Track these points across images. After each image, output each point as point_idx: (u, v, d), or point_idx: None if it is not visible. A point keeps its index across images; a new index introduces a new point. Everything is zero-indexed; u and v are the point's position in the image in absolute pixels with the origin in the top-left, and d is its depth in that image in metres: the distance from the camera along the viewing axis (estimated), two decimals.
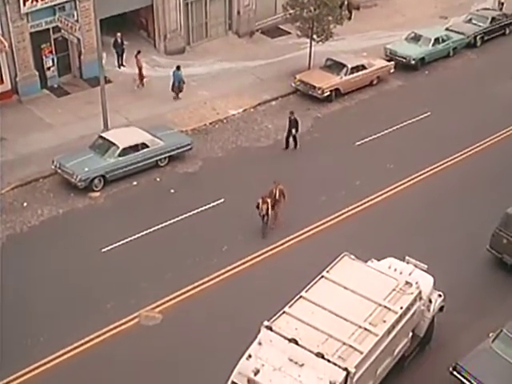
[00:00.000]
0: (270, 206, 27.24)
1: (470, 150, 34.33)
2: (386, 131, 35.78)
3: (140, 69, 38.43)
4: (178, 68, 37.63)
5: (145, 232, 28.09)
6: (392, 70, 41.32)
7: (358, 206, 30.12)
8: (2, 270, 25.78)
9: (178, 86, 37.83)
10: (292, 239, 28.09)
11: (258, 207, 27.37)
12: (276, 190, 27.71)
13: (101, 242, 27.45)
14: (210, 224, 28.83)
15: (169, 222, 28.67)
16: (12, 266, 26.13)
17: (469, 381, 21.36)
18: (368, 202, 30.44)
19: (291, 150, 34.15)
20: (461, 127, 36.20)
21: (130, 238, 27.72)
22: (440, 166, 33.05)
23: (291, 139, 34.15)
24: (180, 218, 28.97)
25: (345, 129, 36.31)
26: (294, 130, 33.75)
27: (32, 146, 33.06)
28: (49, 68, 37.36)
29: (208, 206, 29.74)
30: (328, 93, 38.33)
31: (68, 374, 22.18)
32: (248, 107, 37.85)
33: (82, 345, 23.13)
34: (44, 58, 37.00)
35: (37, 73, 36.74)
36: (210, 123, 36.29)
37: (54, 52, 37.30)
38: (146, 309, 24.53)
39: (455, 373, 21.61)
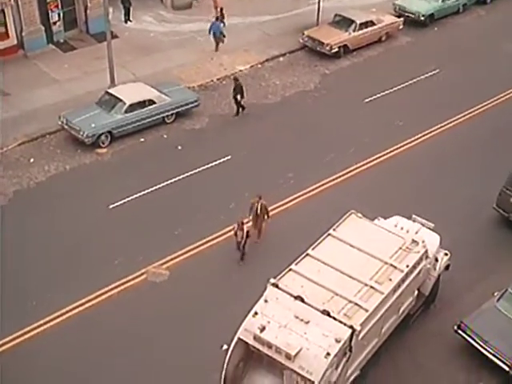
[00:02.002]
0: (245, 234, 24.60)
1: (478, 108, 34.11)
2: (394, 88, 35.53)
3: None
4: (217, 19, 37.34)
5: (152, 189, 28.08)
6: (401, 27, 40.94)
7: (366, 164, 30.03)
8: (9, 225, 25.89)
9: (218, 37, 37.68)
10: (299, 196, 28.06)
11: (235, 234, 24.83)
12: (258, 204, 25.25)
13: (108, 198, 27.47)
14: (217, 181, 28.79)
15: (176, 179, 28.64)
16: (19, 222, 26.23)
17: (473, 339, 21.51)
18: (376, 159, 30.34)
19: (243, 116, 33.44)
20: (469, 85, 35.94)
21: (137, 195, 27.73)
22: (448, 123, 32.86)
23: (238, 105, 33.28)
24: (187, 174, 28.93)
25: (353, 85, 36.05)
26: (239, 96, 32.86)
27: (38, 101, 32.96)
28: (55, 23, 37.11)
29: (215, 163, 29.68)
30: (336, 49, 38.01)
31: (75, 329, 22.36)
32: (255, 63, 37.58)
33: (90, 301, 23.27)
34: (50, 12, 36.73)
35: (43, 27, 36.50)
36: (217, 79, 36.08)
37: (59, 6, 37.02)
38: (153, 265, 24.62)
39: (460, 331, 21.76)
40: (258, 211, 25.22)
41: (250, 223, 25.49)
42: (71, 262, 24.79)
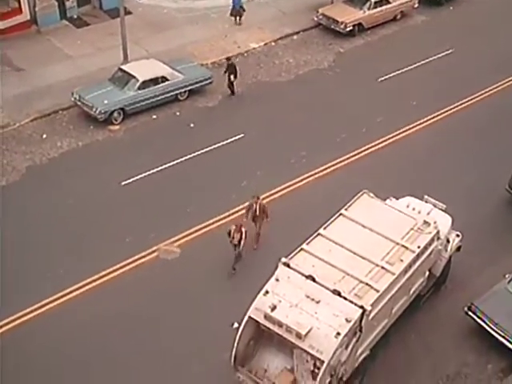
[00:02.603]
0: (244, 236, 23.19)
1: (493, 88, 33.90)
2: (409, 67, 35.33)
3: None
4: None
5: (164, 166, 28.09)
6: (416, 5, 40.64)
7: (379, 144, 29.92)
8: (21, 201, 26.00)
9: (238, 10, 37.69)
10: (311, 176, 28.01)
11: (229, 234, 23.32)
12: (256, 205, 24.13)
13: (120, 175, 27.50)
14: (229, 159, 28.76)
15: (188, 157, 28.63)
16: (31, 198, 26.33)
17: (483, 321, 21.51)
18: (389, 139, 30.23)
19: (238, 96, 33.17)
20: (484, 65, 35.71)
21: (149, 172, 27.74)
22: (462, 104, 32.68)
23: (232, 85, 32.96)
24: (199, 152, 28.91)
25: (367, 64, 35.85)
26: (232, 76, 32.53)
27: (51, 77, 32.93)
28: None
29: (227, 141, 29.64)
30: (351, 27, 37.79)
31: (86, 306, 22.44)
32: (269, 41, 37.42)
33: (101, 277, 23.37)
34: None
35: (56, 3, 36.39)
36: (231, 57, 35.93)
37: None
38: (165, 243, 24.67)
39: (470, 313, 21.77)
40: (257, 212, 24.10)
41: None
42: (82, 238, 24.88)
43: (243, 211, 24.72)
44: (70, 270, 23.49)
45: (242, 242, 23.25)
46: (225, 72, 32.72)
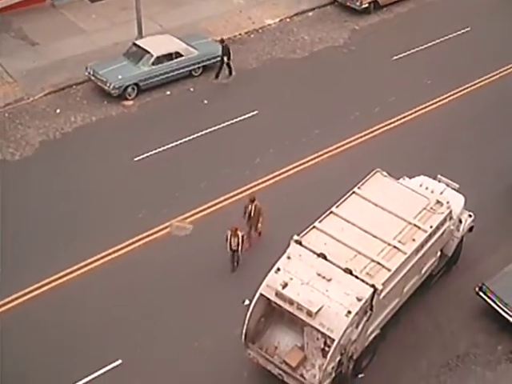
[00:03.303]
0: (241, 240, 22.46)
1: (509, 68, 33.61)
2: (424, 46, 35.11)
3: None
4: None
5: (177, 142, 28.10)
6: None
7: (392, 123, 29.80)
8: (35, 175, 26.12)
9: None
10: (324, 154, 27.96)
11: (226, 240, 22.56)
12: (252, 206, 23.34)
13: (133, 150, 27.54)
14: (243, 136, 28.73)
15: (202, 133, 28.62)
16: (44, 173, 26.43)
17: (494, 301, 21.49)
18: (402, 118, 30.10)
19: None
20: (501, 44, 35.40)
21: (162, 148, 27.77)
22: (478, 83, 32.46)
23: (225, 67, 32.39)
24: (213, 129, 28.89)
25: (382, 42, 35.64)
26: (225, 58, 32.11)
27: (65, 51, 32.94)
28: None
29: (241, 118, 29.60)
30: (366, 5, 37.53)
31: (98, 280, 22.60)
32: (284, 17, 37.22)
33: (114, 252, 23.47)
34: None
35: None
36: (245, 33, 35.81)
37: None
38: (177, 219, 24.72)
39: (481, 293, 21.76)
40: (252, 213, 23.39)
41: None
42: (95, 213, 24.96)
43: (255, 189, 24.72)
44: (81, 246, 23.57)
45: (240, 247, 22.60)
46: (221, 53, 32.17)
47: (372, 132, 29.24)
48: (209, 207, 25.32)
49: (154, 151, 27.62)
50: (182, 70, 31.73)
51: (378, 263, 19.33)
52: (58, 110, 29.73)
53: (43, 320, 21.25)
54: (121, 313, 21.62)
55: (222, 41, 32.29)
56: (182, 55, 31.53)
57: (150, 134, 28.49)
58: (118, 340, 20.82)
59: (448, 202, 21.51)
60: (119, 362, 20.00)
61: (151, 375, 20.02)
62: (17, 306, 21.58)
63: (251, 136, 28.74)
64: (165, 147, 27.82)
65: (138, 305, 21.89)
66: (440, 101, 31.23)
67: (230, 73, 32.59)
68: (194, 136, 28.47)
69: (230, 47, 32.22)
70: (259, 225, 23.55)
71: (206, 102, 30.82)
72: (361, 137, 28.92)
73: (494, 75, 33.02)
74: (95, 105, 30.23)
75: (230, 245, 22.49)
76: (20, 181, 25.90)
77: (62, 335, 20.87)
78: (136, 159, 27.27)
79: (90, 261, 23.09)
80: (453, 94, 31.63)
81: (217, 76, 32.44)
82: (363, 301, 18.33)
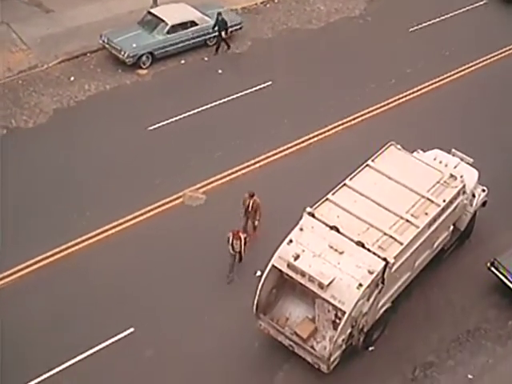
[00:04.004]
0: (244, 242, 21.60)
1: None
2: (441, 18, 34.76)
3: None
4: None
5: (191, 112, 28.01)
6: None
7: (408, 95, 29.62)
8: (48, 143, 26.17)
9: None
10: (338, 126, 27.84)
11: (228, 242, 21.64)
12: (250, 201, 22.61)
13: (147, 119, 27.48)
14: (257, 106, 28.62)
15: (216, 103, 28.52)
16: (58, 140, 26.46)
17: (506, 277, 21.46)
18: (418, 91, 29.91)
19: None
20: None
21: (176, 117, 27.70)
22: (497, 55, 32.19)
23: (222, 42, 32.00)
24: (227, 99, 28.79)
25: (399, 13, 35.30)
26: (223, 33, 31.58)
27: (79, 19, 32.77)
28: None
29: (256, 88, 29.47)
30: None
31: (110, 250, 22.67)
32: None
33: (126, 222, 23.53)
34: None
35: None
36: (261, 2, 35.52)
37: None
38: (190, 189, 24.73)
39: (493, 268, 21.73)
40: (250, 209, 22.67)
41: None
42: (109, 181, 24.98)
43: (268, 160, 24.64)
44: (93, 215, 23.64)
45: (243, 249, 21.70)
46: (216, 27, 31.63)
47: (387, 104, 29.06)
48: (222, 177, 25.29)
49: (169, 120, 27.55)
50: (196, 40, 31.59)
51: (391, 236, 19.30)
52: (72, 78, 29.67)
53: (56, 289, 21.41)
54: (133, 282, 21.72)
55: (218, 14, 31.73)
56: (196, 24, 31.37)
57: (165, 103, 28.42)
58: (131, 308, 20.93)
59: (462, 176, 21.41)
60: (131, 330, 20.13)
61: (163, 343, 20.11)
62: (29, 273, 21.71)
63: (265, 107, 28.62)
64: (179, 117, 27.75)
65: (150, 274, 21.98)
66: (457, 73, 30.96)
67: (228, 47, 32.18)
68: (208, 106, 28.38)
69: (226, 20, 31.66)
70: (256, 222, 22.95)
71: (220, 71, 30.69)
72: (376, 109, 28.76)
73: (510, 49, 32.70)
74: (109, 73, 30.15)
75: (233, 247, 21.59)
76: (34, 148, 25.93)
77: (74, 304, 21.01)
78: (150, 128, 27.23)
79: (101, 230, 23.16)
80: (471, 67, 31.36)
81: (216, 50, 32.08)
82: (375, 274, 18.35)
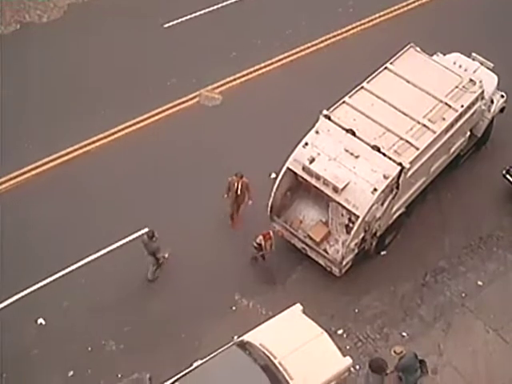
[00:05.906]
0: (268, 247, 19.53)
1: None
2: None
3: None
4: None
5: (209, 9, 27.41)
6: None
7: None
8: (62, 39, 25.89)
9: None
10: (357, 27, 27.22)
11: (257, 246, 19.71)
12: (238, 183, 20.42)
13: (163, 16, 26.93)
14: (274, 5, 27.96)
15: (233, 1, 27.82)
16: (72, 36, 26.08)
17: None
18: None
19: None
20: None
21: (193, 15, 27.12)
22: None
23: None
24: None
25: None
26: None
27: None
28: None
29: None
30: None
31: (125, 149, 22.71)
32: None
33: (141, 121, 23.47)
34: None
35: None
36: None
37: None
38: (206, 88, 24.52)
39: (508, 176, 21.66)
40: (238, 191, 20.56)
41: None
42: (122, 81, 24.71)
43: (285, 61, 24.20)
44: (108, 114, 23.57)
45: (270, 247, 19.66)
46: None
47: (408, 5, 28.32)
48: (239, 77, 24.99)
49: (185, 18, 27.00)
50: None
51: (407, 141, 19.21)
52: None
53: (74, 186, 21.66)
54: (147, 181, 21.84)
55: None
56: None
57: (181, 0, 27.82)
58: (145, 208, 21.10)
59: (481, 82, 21.09)
60: (146, 230, 20.34)
61: (178, 241, 20.24)
62: (44, 171, 21.91)
63: (283, 6, 27.96)
64: (196, 14, 27.16)
65: (165, 173, 22.06)
66: None
67: None
68: (225, 3, 27.73)
69: None
70: (242, 205, 20.97)
71: None
72: (397, 9, 28.02)
73: None
74: None
75: (264, 249, 19.57)
76: (47, 43, 25.62)
77: (93, 203, 21.28)
78: (166, 26, 26.74)
79: (117, 129, 23.12)
80: None
81: None
82: (390, 179, 18.36)
